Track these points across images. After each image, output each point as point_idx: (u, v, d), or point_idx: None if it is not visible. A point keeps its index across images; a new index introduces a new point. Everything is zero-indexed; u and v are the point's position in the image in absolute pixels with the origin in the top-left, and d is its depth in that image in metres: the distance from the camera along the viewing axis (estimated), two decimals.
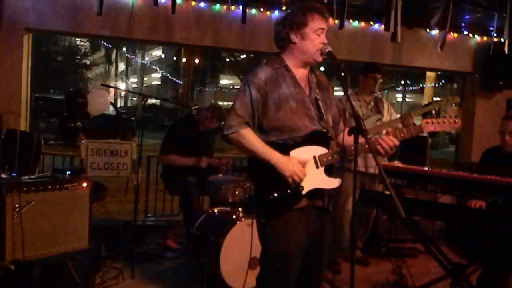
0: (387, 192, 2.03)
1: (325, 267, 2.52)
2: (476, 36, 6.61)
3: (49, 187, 3.14)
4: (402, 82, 25.59)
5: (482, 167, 3.50)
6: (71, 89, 5.22)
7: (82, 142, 6.25)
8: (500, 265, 3.33)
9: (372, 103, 4.38)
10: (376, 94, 4.46)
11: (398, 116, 4.42)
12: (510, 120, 3.50)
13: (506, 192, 2.71)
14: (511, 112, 6.38)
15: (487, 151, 3.75)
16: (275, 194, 2.23)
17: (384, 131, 4.13)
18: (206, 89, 29.77)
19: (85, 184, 3.33)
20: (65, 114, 6.13)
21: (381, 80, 4.41)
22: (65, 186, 3.22)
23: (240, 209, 3.67)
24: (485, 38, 6.63)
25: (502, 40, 5.72)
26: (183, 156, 4.34)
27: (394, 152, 2.40)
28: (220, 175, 4.40)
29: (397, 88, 27.74)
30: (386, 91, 28.81)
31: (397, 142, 2.34)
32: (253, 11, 5.50)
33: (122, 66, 34.38)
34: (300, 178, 2.23)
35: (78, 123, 5.21)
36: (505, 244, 3.21)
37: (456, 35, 6.37)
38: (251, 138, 2.25)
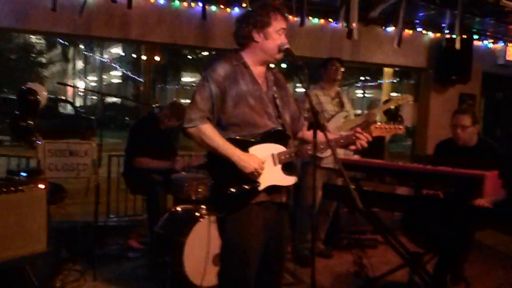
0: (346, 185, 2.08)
1: (285, 260, 2.57)
2: (429, 32, 6.84)
3: (4, 189, 3.03)
4: (362, 78, 26.14)
5: (436, 159, 3.64)
6: (23, 87, 5.00)
7: (39, 142, 6.06)
8: (454, 253, 3.48)
9: (337, 99, 4.47)
10: (338, 89, 4.54)
11: (359, 112, 4.56)
12: (461, 114, 3.61)
13: (458, 182, 2.83)
14: (462, 106, 6.64)
15: (440, 144, 3.89)
16: (232, 190, 2.26)
17: (347, 128, 4.26)
18: (168, 86, 29.38)
19: (41, 186, 3.24)
20: (17, 113, 5.90)
21: (343, 69, 4.47)
22: (20, 188, 3.12)
23: (203, 206, 3.67)
24: (438, 34, 6.87)
25: (454, 36, 5.94)
26: (157, 159, 4.26)
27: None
28: (183, 172, 4.37)
29: (356, 84, 28.30)
30: (346, 87, 29.35)
31: (370, 138, 2.46)
32: (213, 8, 5.49)
33: (80, 64, 33.45)
34: (260, 174, 2.27)
35: (31, 122, 5.03)
36: (458, 232, 3.37)
37: (410, 31, 6.57)
38: (212, 134, 2.26)
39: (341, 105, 4.45)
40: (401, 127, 2.73)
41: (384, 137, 6.16)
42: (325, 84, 4.45)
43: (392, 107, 4.66)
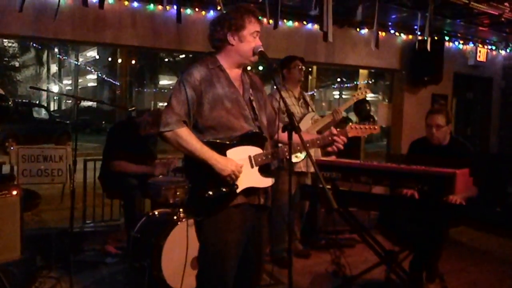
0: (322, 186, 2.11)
1: (263, 262, 2.58)
2: (402, 34, 6.99)
3: None
4: (338, 79, 26.45)
5: (410, 158, 3.71)
6: None
7: (12, 148, 5.93)
8: (429, 250, 3.56)
9: (301, 99, 4.43)
10: (300, 90, 4.50)
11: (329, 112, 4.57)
12: (435, 114, 3.65)
13: (431, 180, 2.90)
14: (436, 106, 6.78)
15: (414, 143, 3.96)
16: (210, 193, 2.26)
17: (317, 129, 4.29)
18: (145, 90, 29.13)
19: (14, 192, 3.18)
20: None
21: (304, 68, 4.37)
22: None
23: (181, 210, 3.66)
24: (410, 36, 7.02)
25: (425, 38, 6.08)
26: (135, 164, 4.23)
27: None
28: (161, 176, 4.34)
29: (333, 86, 28.62)
30: (322, 89, 29.62)
31: (345, 139, 2.52)
32: (188, 11, 5.49)
33: (54, 68, 32.87)
34: (238, 176, 2.28)
35: (9, 103, 4.87)
36: (432, 230, 3.44)
37: (384, 34, 6.69)
38: (189, 138, 2.26)
39: (306, 105, 4.43)
40: (376, 127, 2.76)
41: (360, 137, 6.27)
42: (289, 85, 4.34)
43: (352, 102, 4.69)
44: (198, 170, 2.29)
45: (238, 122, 2.35)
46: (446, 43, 7.38)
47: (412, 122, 7.06)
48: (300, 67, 4.31)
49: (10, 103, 4.87)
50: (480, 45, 8.00)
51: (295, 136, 2.25)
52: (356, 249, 4.80)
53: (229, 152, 2.31)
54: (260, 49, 2.35)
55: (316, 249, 4.72)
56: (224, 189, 2.27)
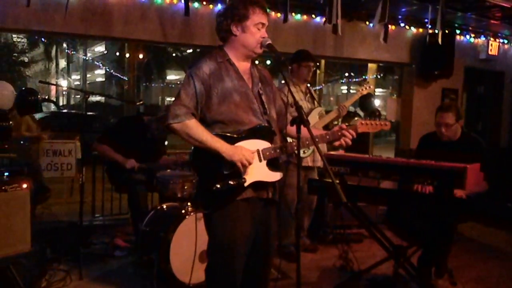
0: (330, 180, 2.09)
1: (272, 256, 2.58)
2: (412, 28, 6.92)
3: None
4: (346, 74, 26.27)
5: (419, 153, 3.67)
6: (22, 88, 4.97)
7: (22, 142, 5.98)
8: (438, 245, 3.54)
9: (308, 94, 4.43)
10: (307, 85, 4.48)
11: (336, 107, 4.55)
12: (445, 113, 3.58)
13: (441, 175, 2.87)
14: (445, 103, 6.70)
15: (424, 137, 3.92)
16: (218, 186, 2.26)
17: (323, 124, 4.28)
18: (153, 84, 29.19)
19: (25, 186, 3.20)
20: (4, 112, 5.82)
21: (314, 68, 4.40)
22: (3, 188, 3.08)
23: (189, 203, 3.67)
24: (420, 29, 6.95)
25: (436, 31, 6.01)
26: (114, 151, 4.22)
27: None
28: (169, 170, 4.35)
29: (341, 81, 28.45)
30: (330, 84, 29.48)
31: (355, 135, 2.48)
32: (196, 4, 5.47)
33: (63, 63, 33.01)
34: (250, 162, 2.27)
35: (9, 123, 4.96)
36: (441, 225, 3.42)
37: (393, 27, 6.63)
38: (198, 129, 2.26)
39: (312, 100, 4.43)
40: (387, 123, 2.70)
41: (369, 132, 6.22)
42: (296, 80, 4.34)
43: (357, 98, 4.67)
44: (206, 163, 2.29)
45: (247, 115, 2.34)
46: (457, 37, 7.29)
47: (422, 116, 7.01)
48: (310, 67, 4.32)
49: (38, 97, 4.96)
50: (491, 39, 7.90)
51: (304, 130, 2.23)
52: (363, 244, 4.80)
53: (237, 145, 2.30)
54: (268, 42, 2.33)
55: (323, 244, 4.72)
56: (231, 182, 2.27)
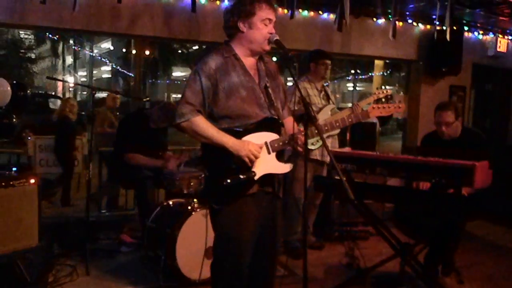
0: (338, 177, 2.08)
1: (278, 251, 2.57)
2: (420, 24, 6.86)
3: None
4: (352, 71, 26.17)
5: (424, 151, 3.65)
6: (13, 82, 4.95)
7: (29, 138, 6.02)
8: (445, 243, 3.52)
9: (323, 92, 4.48)
10: (323, 82, 4.55)
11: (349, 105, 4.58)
12: (444, 112, 3.56)
13: (449, 172, 2.85)
14: (443, 101, 6.64)
15: (425, 137, 3.91)
16: (228, 181, 2.26)
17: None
18: (159, 81, 29.26)
19: (32, 181, 3.22)
20: (1, 109, 5.85)
21: (331, 66, 4.48)
22: (11, 183, 3.11)
23: (195, 200, 3.67)
24: (428, 26, 6.89)
25: (444, 28, 5.96)
26: (148, 156, 4.21)
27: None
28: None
29: (347, 78, 28.35)
30: (336, 81, 29.39)
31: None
32: (202, 0, 5.46)
33: (69, 59, 33.16)
34: (256, 156, 2.27)
35: (15, 119, 5.00)
36: (449, 223, 3.40)
37: (401, 23, 6.58)
38: (204, 125, 2.27)
39: (327, 98, 4.48)
40: (400, 105, 2.63)
41: (375, 128, 6.21)
42: (313, 78, 4.43)
43: (373, 100, 4.69)
44: (215, 158, 2.29)
45: (254, 110, 2.34)
46: (465, 33, 7.22)
47: (429, 114, 6.89)
48: (327, 65, 4.39)
49: (28, 92, 4.96)
50: (500, 35, 7.82)
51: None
52: (370, 241, 4.78)
53: (245, 138, 2.30)
54: (276, 38, 2.32)
55: (329, 241, 4.71)
56: (242, 176, 2.26)
